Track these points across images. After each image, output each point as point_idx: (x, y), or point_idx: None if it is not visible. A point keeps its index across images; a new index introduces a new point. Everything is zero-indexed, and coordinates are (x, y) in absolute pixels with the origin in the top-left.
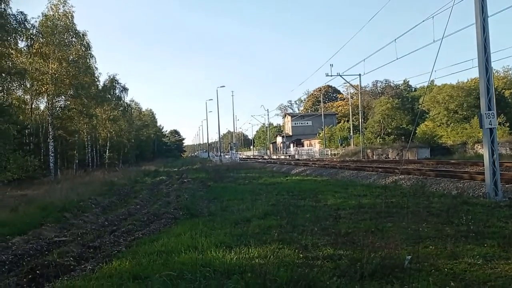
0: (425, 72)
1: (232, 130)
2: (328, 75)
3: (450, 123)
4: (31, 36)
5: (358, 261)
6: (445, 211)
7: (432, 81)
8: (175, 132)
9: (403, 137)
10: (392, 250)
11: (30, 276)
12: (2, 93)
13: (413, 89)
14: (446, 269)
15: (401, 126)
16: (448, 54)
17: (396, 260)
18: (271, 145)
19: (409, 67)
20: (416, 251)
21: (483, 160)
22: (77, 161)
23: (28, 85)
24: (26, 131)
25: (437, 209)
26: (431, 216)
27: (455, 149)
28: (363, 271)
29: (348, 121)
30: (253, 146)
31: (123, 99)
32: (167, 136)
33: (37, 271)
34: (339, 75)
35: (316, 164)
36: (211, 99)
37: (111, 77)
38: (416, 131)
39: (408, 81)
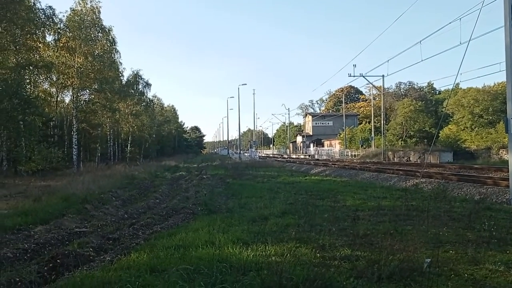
0: (450, 75)
1: (252, 128)
2: (350, 76)
3: (475, 127)
4: (59, 30)
5: (376, 263)
6: (467, 216)
7: (457, 84)
8: (195, 129)
9: (425, 140)
10: (411, 253)
11: (51, 265)
12: (29, 86)
13: (437, 91)
14: (466, 275)
15: (423, 129)
16: (475, 57)
17: (415, 263)
18: (291, 144)
19: (433, 69)
20: (436, 255)
21: (507, 165)
22: (99, 154)
23: (54, 78)
24: (51, 123)
25: (459, 214)
26: (452, 220)
27: (479, 154)
28: (381, 273)
29: (369, 122)
30: (273, 144)
31: (146, 94)
32: (188, 132)
33: (58, 260)
34: (362, 75)
35: (335, 164)
36: (232, 97)
37: (135, 72)
38: (439, 134)
39: (433, 83)
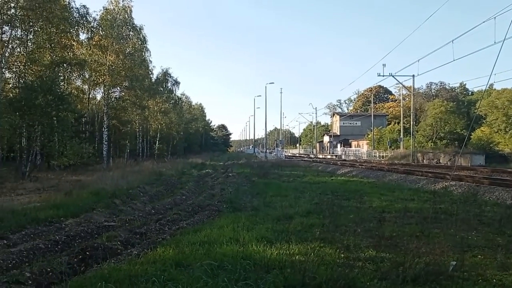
0: (484, 76)
1: (279, 127)
2: (380, 75)
3: (509, 130)
4: (92, 28)
5: (401, 265)
6: (498, 221)
7: (491, 85)
8: (222, 127)
9: (456, 142)
10: (438, 257)
11: (80, 257)
12: (63, 83)
13: (470, 92)
14: (494, 280)
15: (454, 131)
16: (510, 57)
17: (441, 267)
18: (317, 144)
19: (466, 69)
20: (463, 259)
21: None
22: (128, 150)
23: (87, 76)
24: (83, 120)
25: (489, 218)
26: (482, 225)
27: None
28: (406, 276)
29: (398, 123)
30: (299, 144)
31: (174, 92)
32: (215, 131)
33: (87, 253)
34: (392, 75)
35: (363, 165)
36: (260, 95)
37: (164, 70)
38: (471, 136)
39: (465, 84)
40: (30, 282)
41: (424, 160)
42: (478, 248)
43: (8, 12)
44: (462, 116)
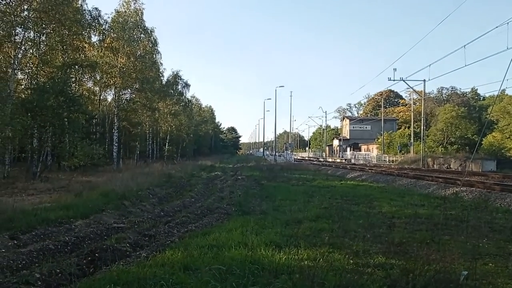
0: (496, 81)
1: (288, 130)
2: (390, 80)
3: None
4: (104, 31)
5: (411, 272)
6: (509, 228)
7: (503, 90)
8: (232, 130)
9: (467, 148)
10: (448, 264)
11: (89, 258)
12: (74, 84)
13: (482, 97)
14: None
15: (465, 136)
16: None
17: (452, 275)
18: (327, 148)
19: (478, 74)
20: (474, 267)
21: None
22: (138, 152)
23: (98, 78)
24: (94, 121)
25: (501, 226)
26: (493, 232)
27: None
28: (415, 283)
29: (409, 127)
30: (309, 147)
31: (184, 94)
32: (224, 133)
33: (96, 254)
34: (402, 80)
35: (372, 169)
36: (269, 99)
37: (175, 73)
38: (482, 142)
39: (476, 89)
40: (40, 283)
41: (435, 165)
42: (489, 256)
43: (22, 14)
44: (473, 122)
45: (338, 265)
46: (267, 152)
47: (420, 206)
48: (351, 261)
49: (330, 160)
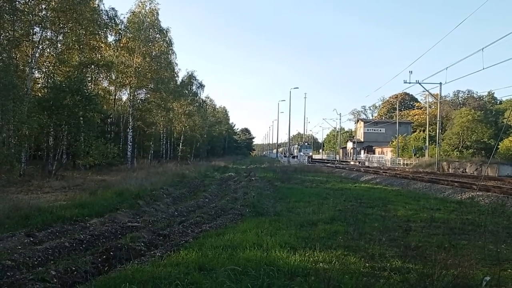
0: None
1: (302, 132)
2: (406, 82)
3: None
4: (120, 31)
5: (428, 277)
6: None
7: None
8: (245, 131)
9: (483, 152)
10: (466, 269)
11: (104, 256)
12: (90, 83)
13: (499, 101)
14: None
15: (481, 140)
16: None
17: (470, 281)
18: (341, 150)
19: (495, 78)
20: (498, 273)
21: None
22: (152, 151)
23: (114, 77)
24: (109, 120)
25: None
26: (511, 237)
27: None
28: None
29: (424, 130)
30: (322, 149)
31: (199, 95)
32: (238, 134)
33: (111, 253)
34: (418, 82)
35: (387, 173)
36: (284, 100)
37: (189, 73)
38: (499, 146)
39: (493, 93)
40: (55, 280)
41: (450, 169)
42: (508, 262)
43: (40, 14)
44: (490, 125)
45: (353, 268)
46: (281, 154)
47: (436, 210)
48: (367, 264)
49: (344, 162)
